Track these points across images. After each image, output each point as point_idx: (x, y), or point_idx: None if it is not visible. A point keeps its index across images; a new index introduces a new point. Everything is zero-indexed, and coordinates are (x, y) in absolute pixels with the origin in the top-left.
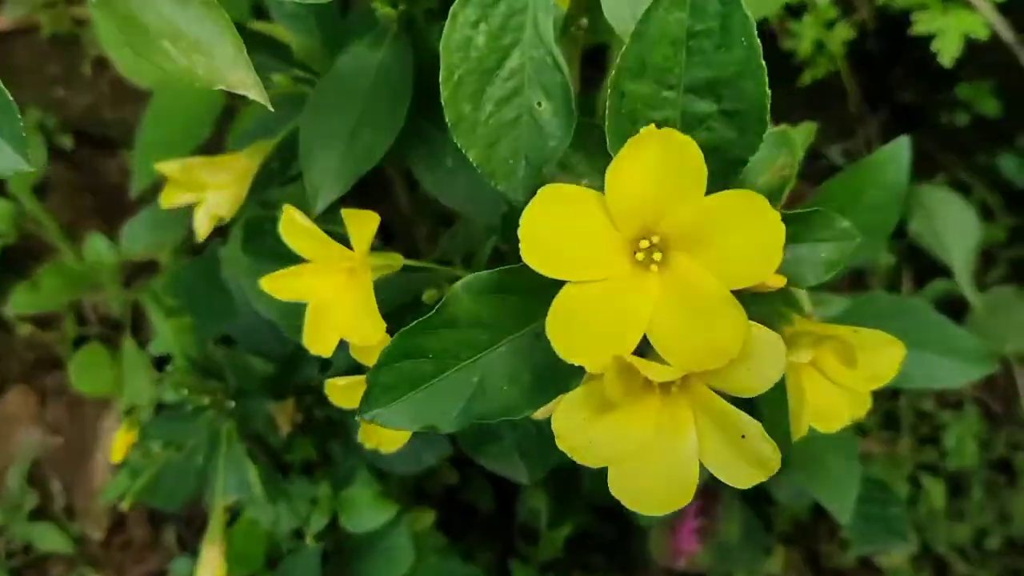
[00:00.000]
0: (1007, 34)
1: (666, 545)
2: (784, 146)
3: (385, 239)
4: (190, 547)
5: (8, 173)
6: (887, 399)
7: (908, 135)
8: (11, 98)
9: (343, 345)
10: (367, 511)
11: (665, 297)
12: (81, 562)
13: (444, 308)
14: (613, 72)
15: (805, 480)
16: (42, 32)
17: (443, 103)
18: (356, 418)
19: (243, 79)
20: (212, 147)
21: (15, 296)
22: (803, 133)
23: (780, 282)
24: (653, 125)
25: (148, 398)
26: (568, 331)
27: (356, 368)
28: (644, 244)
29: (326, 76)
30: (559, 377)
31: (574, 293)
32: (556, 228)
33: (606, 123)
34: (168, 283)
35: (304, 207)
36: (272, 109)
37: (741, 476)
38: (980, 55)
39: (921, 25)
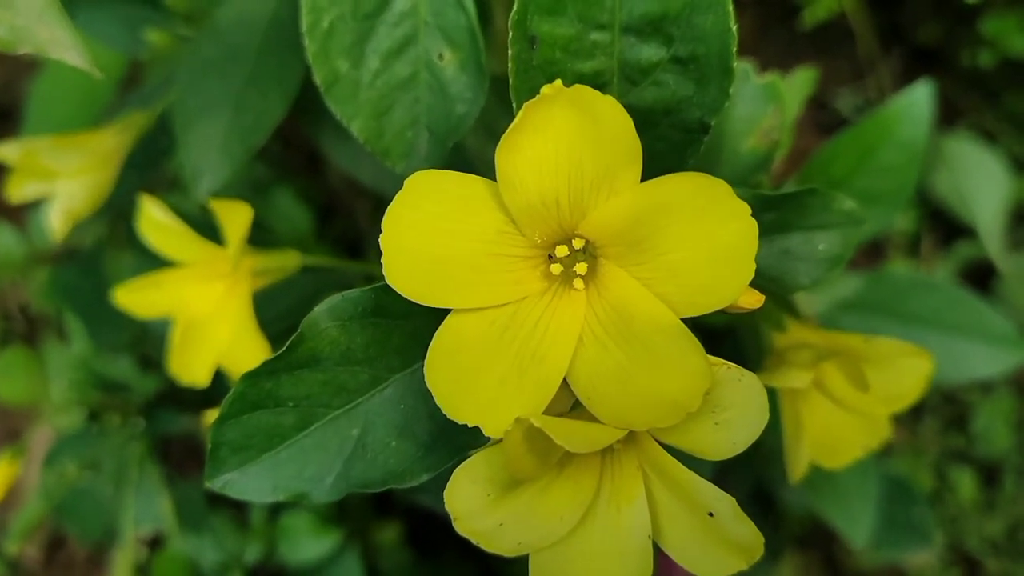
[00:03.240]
0: None
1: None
2: (772, 102)
3: (324, 217)
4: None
5: None
6: None
7: (928, 79)
8: None
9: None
10: (307, 539)
11: (593, 328)
12: None
13: (301, 342)
14: (516, 7)
15: (814, 498)
16: None
17: (310, 59)
18: (206, 483)
19: (56, 37)
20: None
21: None
22: (800, 83)
23: (755, 302)
24: (559, 82)
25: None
26: (453, 380)
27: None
28: (562, 252)
29: (205, 32)
30: (466, 429)
31: (462, 326)
32: (431, 234)
33: (511, 80)
34: (47, 287)
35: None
36: (100, 76)
37: (711, 565)
38: None
39: None
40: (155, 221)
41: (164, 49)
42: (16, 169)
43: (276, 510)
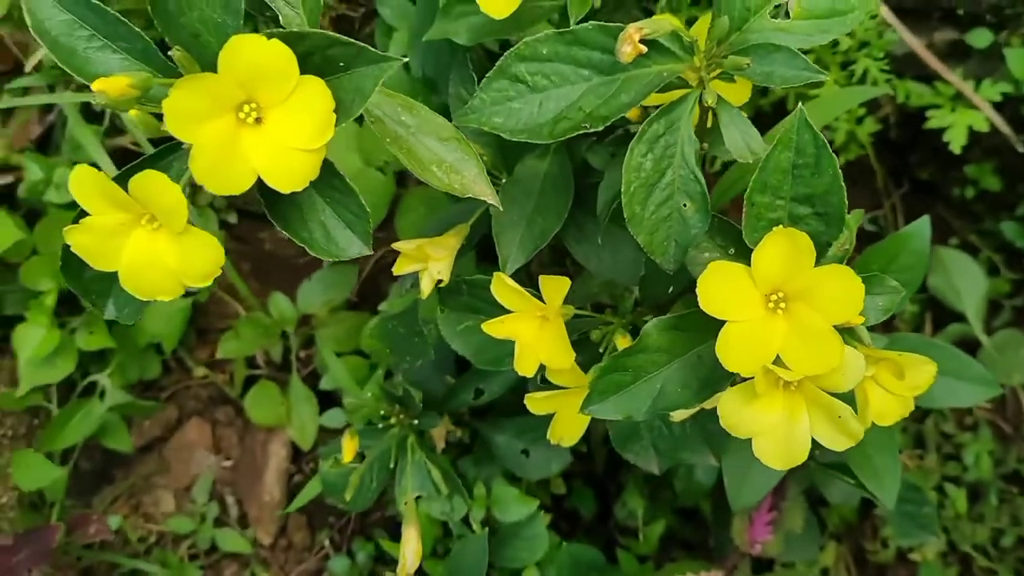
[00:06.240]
0: (1003, 126)
1: (745, 533)
2: (846, 228)
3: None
4: (343, 548)
5: (355, 255)
6: (916, 422)
7: (927, 210)
8: (363, 202)
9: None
10: (515, 505)
11: (790, 330)
12: (254, 562)
13: (641, 339)
14: (748, 191)
15: (858, 474)
16: None
17: (623, 206)
18: (580, 411)
19: (484, 190)
20: (383, 225)
21: (223, 343)
22: (854, 218)
23: (860, 320)
24: (782, 225)
25: (313, 425)
26: (731, 351)
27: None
28: (774, 297)
29: (508, 180)
30: (715, 382)
31: (733, 328)
32: (720, 289)
33: (743, 221)
34: (375, 329)
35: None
36: (501, 208)
37: (837, 443)
38: (983, 141)
39: (934, 121)
40: (505, 286)
41: None
42: (406, 255)
43: (489, 485)
